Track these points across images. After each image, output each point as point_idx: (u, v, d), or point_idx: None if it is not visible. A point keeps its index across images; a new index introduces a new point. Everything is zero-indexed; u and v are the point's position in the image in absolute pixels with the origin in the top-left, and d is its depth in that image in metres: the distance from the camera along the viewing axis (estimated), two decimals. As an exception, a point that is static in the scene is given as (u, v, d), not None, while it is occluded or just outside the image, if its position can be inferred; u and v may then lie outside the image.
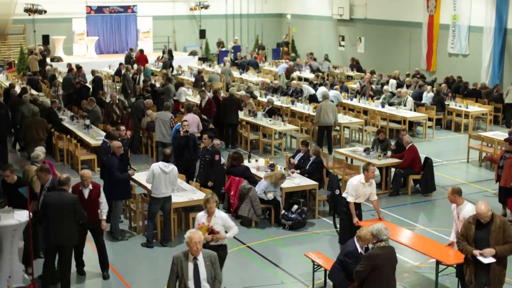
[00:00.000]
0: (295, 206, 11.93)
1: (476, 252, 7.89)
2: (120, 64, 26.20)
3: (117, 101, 17.66)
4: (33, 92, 21.39)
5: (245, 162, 13.38)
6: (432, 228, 11.92)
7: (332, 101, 20.10)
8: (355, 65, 28.80)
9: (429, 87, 21.27)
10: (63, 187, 9.12)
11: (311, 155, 13.02)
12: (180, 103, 19.43)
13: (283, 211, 11.92)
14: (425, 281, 9.79)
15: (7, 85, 23.38)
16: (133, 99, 20.67)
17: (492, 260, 7.86)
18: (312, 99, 20.74)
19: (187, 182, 12.44)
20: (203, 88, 19.69)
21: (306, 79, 24.21)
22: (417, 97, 20.67)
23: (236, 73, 27.78)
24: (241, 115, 18.19)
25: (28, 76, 24.10)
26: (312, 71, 28.28)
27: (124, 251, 10.84)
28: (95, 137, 15.82)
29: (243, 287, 9.50)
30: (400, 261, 10.38)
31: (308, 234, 11.61)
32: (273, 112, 18.22)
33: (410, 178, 13.78)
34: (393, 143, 14.95)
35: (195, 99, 20.48)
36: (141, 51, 28.36)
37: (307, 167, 12.90)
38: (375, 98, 20.69)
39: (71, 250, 9.23)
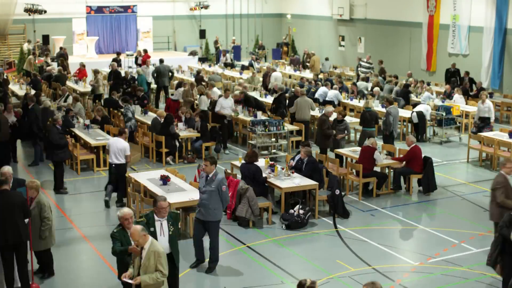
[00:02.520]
0: (297, 206, 11.91)
1: None
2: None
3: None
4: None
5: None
6: (433, 228, 11.91)
7: (332, 101, 20.14)
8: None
9: (426, 87, 21.36)
10: (3, 187, 8.89)
11: (303, 157, 12.94)
12: (179, 103, 19.42)
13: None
14: (425, 281, 9.78)
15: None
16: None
17: None
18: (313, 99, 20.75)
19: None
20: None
21: (306, 80, 24.20)
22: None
23: (236, 73, 27.80)
24: (242, 115, 18.24)
25: (32, 77, 24.13)
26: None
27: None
28: (95, 137, 15.88)
29: (243, 287, 9.50)
30: (400, 261, 10.40)
31: (308, 234, 11.61)
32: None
33: (411, 178, 13.79)
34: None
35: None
36: (145, 51, 28.40)
37: (303, 170, 12.85)
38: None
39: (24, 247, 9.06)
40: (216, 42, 34.25)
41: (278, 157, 16.17)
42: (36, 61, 29.15)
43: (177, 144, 16.13)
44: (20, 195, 9.01)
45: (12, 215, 8.72)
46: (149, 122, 17.52)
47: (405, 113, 18.90)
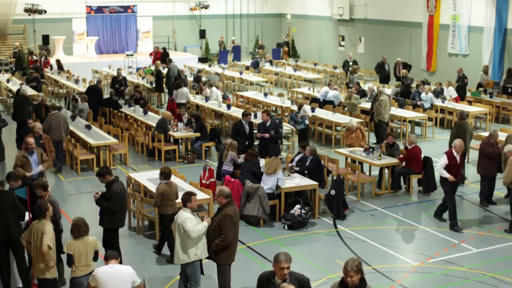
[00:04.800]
0: (298, 206, 11.92)
1: None
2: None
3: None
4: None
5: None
6: (433, 228, 11.91)
7: (332, 101, 20.13)
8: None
9: (427, 87, 21.32)
10: None
11: (308, 156, 13.01)
12: (175, 104, 19.40)
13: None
14: (425, 281, 9.79)
15: (6, 85, 23.50)
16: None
17: None
18: (313, 99, 20.79)
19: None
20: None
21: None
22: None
23: (236, 73, 27.82)
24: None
25: (30, 76, 24.15)
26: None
27: (124, 251, 10.82)
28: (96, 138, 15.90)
29: (243, 287, 9.50)
30: (400, 261, 10.40)
31: (308, 234, 11.61)
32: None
33: (411, 178, 13.79)
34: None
35: (196, 99, 20.63)
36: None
37: (308, 164, 12.91)
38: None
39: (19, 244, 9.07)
40: (220, 44, 34.52)
41: (279, 156, 16.15)
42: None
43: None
44: (10, 194, 9.10)
45: (2, 213, 8.82)
46: (149, 122, 17.53)
47: (404, 113, 18.94)
